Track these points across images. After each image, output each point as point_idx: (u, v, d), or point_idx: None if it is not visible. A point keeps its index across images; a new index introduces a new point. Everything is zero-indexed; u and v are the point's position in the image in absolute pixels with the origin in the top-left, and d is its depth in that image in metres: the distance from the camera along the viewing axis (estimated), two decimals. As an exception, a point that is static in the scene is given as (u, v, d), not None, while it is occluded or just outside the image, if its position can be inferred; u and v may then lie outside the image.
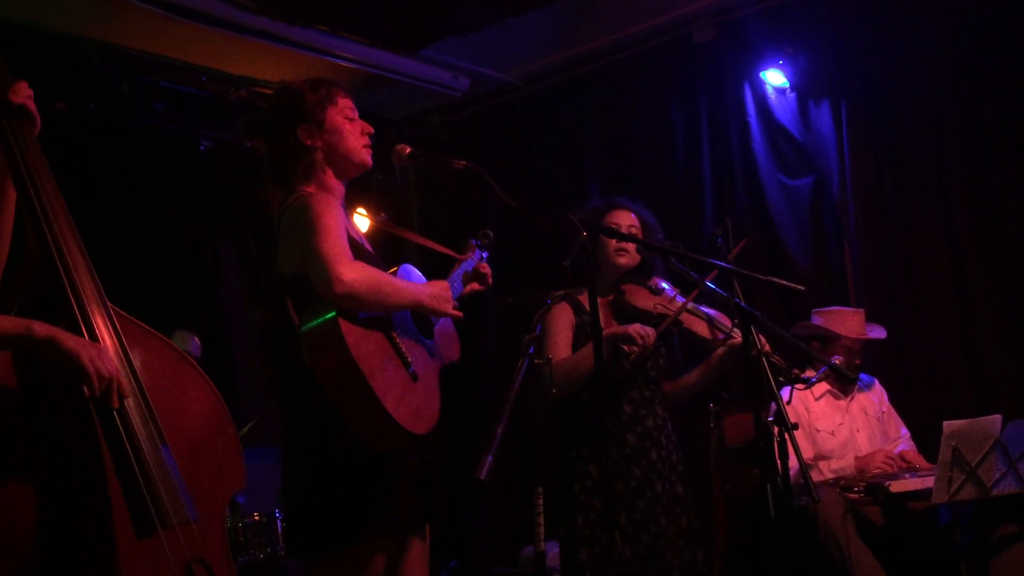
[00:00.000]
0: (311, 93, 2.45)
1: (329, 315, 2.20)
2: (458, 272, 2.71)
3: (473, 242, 2.82)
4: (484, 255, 2.82)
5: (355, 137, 2.48)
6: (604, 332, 3.06)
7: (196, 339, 4.44)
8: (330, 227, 2.24)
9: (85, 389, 1.79)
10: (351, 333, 2.21)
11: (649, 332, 3.05)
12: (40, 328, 1.78)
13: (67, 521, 1.82)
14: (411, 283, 2.42)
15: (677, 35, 5.14)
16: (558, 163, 5.80)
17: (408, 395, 2.31)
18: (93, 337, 1.89)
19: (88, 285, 1.94)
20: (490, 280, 2.76)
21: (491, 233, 2.85)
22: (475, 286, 2.73)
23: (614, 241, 3.23)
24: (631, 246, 3.25)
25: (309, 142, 2.42)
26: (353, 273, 2.19)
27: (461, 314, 2.49)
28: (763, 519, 2.62)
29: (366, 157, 2.51)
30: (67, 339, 1.79)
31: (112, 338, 1.93)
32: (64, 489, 1.83)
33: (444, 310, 2.44)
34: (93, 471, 1.84)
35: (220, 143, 5.33)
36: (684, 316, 3.20)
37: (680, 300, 3.23)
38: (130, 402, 1.89)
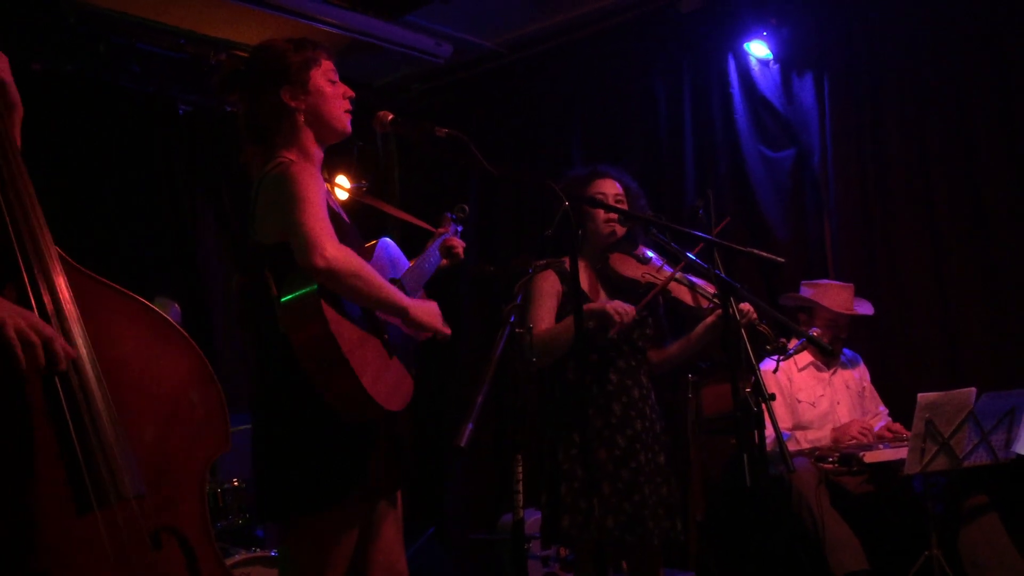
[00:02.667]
0: (295, 53, 2.41)
1: (311, 288, 2.19)
2: (435, 245, 2.72)
3: (449, 216, 2.82)
4: (459, 229, 2.82)
5: (337, 101, 2.45)
6: (584, 307, 3.06)
7: (176, 306, 4.40)
8: (312, 200, 2.21)
9: (18, 359, 1.71)
10: (331, 307, 2.20)
11: (628, 310, 3.04)
12: None
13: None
14: (398, 291, 2.38)
15: (662, 4, 5.11)
16: (541, 131, 5.78)
17: (385, 372, 2.31)
18: (40, 299, 1.82)
19: (43, 248, 1.86)
20: (461, 255, 2.77)
21: (467, 207, 2.85)
22: (445, 262, 2.75)
23: (603, 211, 3.22)
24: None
25: (293, 103, 2.39)
26: (336, 251, 2.17)
27: (449, 331, 2.47)
28: (739, 488, 2.65)
29: (346, 124, 2.49)
30: None
31: (69, 301, 1.86)
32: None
33: (434, 324, 2.42)
34: (22, 445, 1.76)
35: (199, 107, 5.27)
36: (671, 285, 3.21)
37: (668, 269, 3.23)
38: (81, 369, 1.82)
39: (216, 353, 5.23)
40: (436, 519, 5.54)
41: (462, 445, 2.01)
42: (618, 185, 3.31)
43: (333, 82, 2.46)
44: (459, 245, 2.77)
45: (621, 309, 3.03)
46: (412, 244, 2.71)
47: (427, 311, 2.41)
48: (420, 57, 5.44)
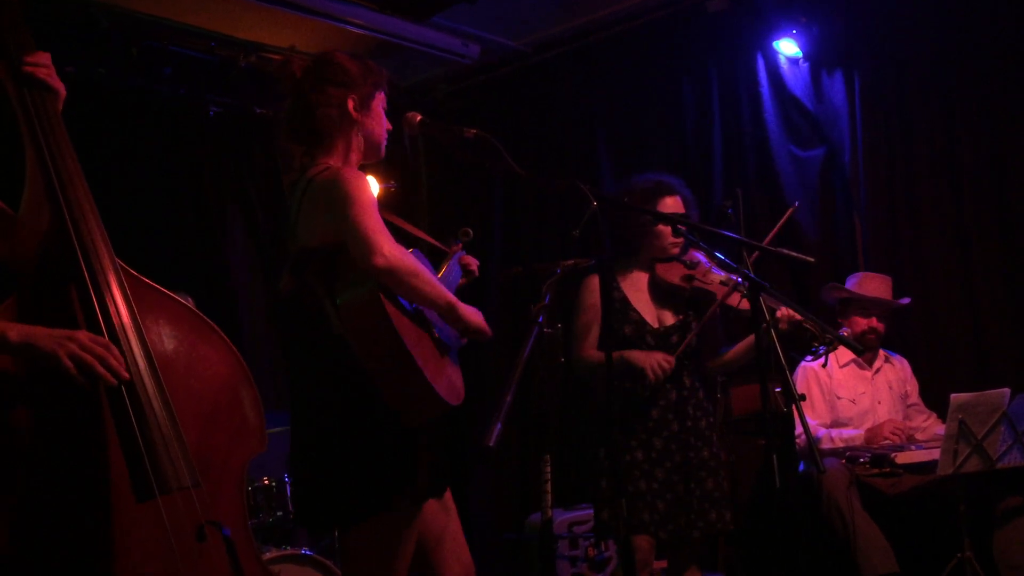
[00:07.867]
0: (366, 73, 2.47)
1: (370, 286, 2.23)
2: (454, 260, 2.82)
3: (455, 241, 2.89)
4: (463, 252, 2.91)
5: (384, 131, 2.54)
6: (622, 354, 3.15)
7: (190, 299, 4.45)
8: (367, 201, 2.26)
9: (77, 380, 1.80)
10: (391, 304, 2.24)
11: (666, 367, 3.10)
12: (14, 334, 1.77)
13: (63, 485, 1.83)
14: (447, 290, 2.42)
15: (690, 3, 5.09)
16: (568, 132, 5.77)
17: (441, 368, 2.36)
18: (103, 304, 1.88)
19: (103, 254, 1.93)
20: (476, 272, 2.86)
21: (471, 231, 2.95)
22: (462, 280, 2.83)
23: (670, 232, 3.25)
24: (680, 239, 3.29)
25: (356, 115, 2.43)
26: (394, 249, 2.22)
27: (491, 333, 2.51)
28: (768, 489, 2.64)
29: (383, 151, 2.57)
30: (42, 340, 1.77)
31: (124, 305, 1.93)
32: (62, 457, 1.84)
33: (479, 324, 2.45)
34: (94, 440, 1.85)
35: (229, 109, 5.32)
36: (717, 289, 3.23)
37: (716, 271, 3.27)
38: (138, 370, 1.88)
39: (242, 352, 5.27)
40: (463, 518, 5.54)
41: (491, 445, 2.01)
42: (681, 202, 3.35)
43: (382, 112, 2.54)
44: (474, 263, 2.87)
45: (659, 370, 3.10)
46: (430, 257, 2.80)
47: (473, 311, 2.46)
48: (447, 58, 5.46)
